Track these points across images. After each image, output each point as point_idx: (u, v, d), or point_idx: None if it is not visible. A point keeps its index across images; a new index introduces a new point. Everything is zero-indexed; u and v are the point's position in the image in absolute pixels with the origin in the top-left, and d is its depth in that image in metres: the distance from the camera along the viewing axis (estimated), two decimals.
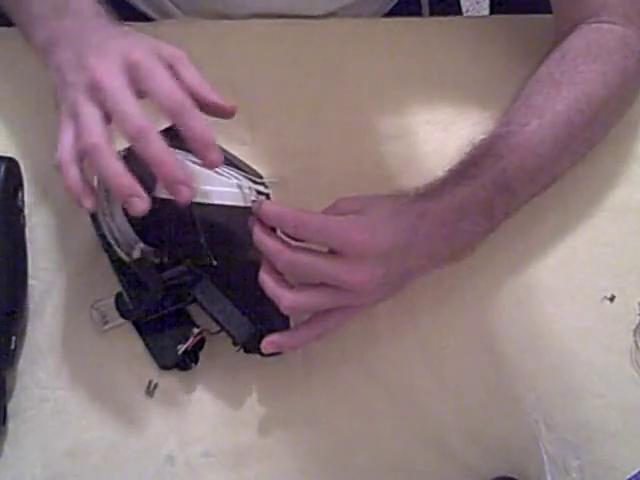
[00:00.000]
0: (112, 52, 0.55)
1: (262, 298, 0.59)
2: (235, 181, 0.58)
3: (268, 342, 0.59)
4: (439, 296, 0.66)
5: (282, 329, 0.60)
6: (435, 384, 0.63)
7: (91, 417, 0.61)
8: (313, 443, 0.61)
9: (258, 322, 0.60)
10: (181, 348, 0.61)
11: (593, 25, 0.69)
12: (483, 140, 0.66)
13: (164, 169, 0.52)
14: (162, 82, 0.53)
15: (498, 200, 0.63)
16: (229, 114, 0.59)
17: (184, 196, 0.53)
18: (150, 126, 0.52)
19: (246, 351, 0.61)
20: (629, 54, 0.68)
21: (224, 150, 0.63)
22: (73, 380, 0.62)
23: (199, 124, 0.53)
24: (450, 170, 0.64)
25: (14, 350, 0.61)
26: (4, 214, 0.62)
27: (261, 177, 0.63)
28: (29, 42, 0.64)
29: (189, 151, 0.58)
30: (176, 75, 0.56)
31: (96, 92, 0.54)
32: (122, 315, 0.61)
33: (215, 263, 0.60)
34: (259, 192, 0.60)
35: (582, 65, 0.67)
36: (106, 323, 0.63)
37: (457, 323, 0.65)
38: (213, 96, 0.57)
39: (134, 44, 0.56)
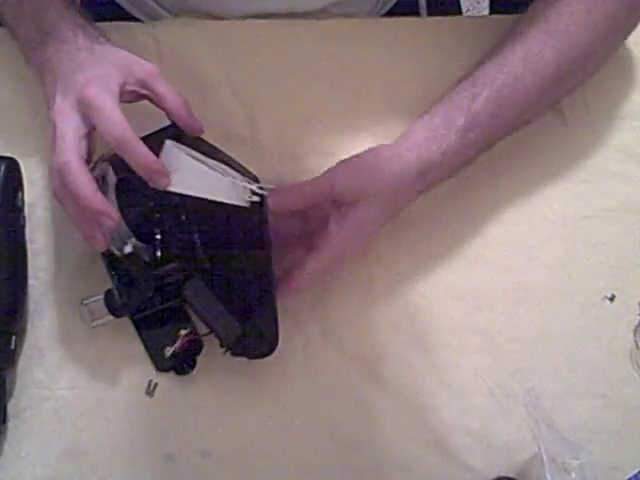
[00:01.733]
0: (72, 88, 0.59)
1: (251, 301, 0.59)
2: (230, 179, 0.58)
3: (290, 287, 0.62)
4: (439, 296, 0.66)
5: (270, 332, 0.60)
6: (435, 384, 0.63)
7: (91, 417, 0.61)
8: (313, 443, 0.61)
9: (246, 324, 0.60)
10: (169, 351, 0.61)
11: None
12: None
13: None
14: (105, 118, 0.56)
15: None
16: (197, 131, 0.61)
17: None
18: (74, 170, 0.56)
19: (233, 354, 0.61)
20: (620, 2, 0.68)
21: (220, 151, 0.63)
22: (73, 380, 0.62)
23: (141, 154, 0.55)
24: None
25: (14, 350, 0.61)
26: (4, 214, 0.62)
27: (257, 180, 0.63)
28: (27, 65, 0.67)
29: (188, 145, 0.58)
30: (150, 90, 0.60)
31: (54, 132, 0.58)
32: (111, 312, 0.61)
33: (207, 265, 0.60)
34: (253, 192, 0.60)
35: (576, 14, 0.67)
36: (94, 320, 0.62)
37: (457, 323, 0.65)
38: (183, 113, 0.60)
39: (94, 77, 0.59)
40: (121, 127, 0.55)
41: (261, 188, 0.61)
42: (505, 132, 0.68)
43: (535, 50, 0.67)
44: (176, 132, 0.61)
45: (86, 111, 0.57)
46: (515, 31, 0.70)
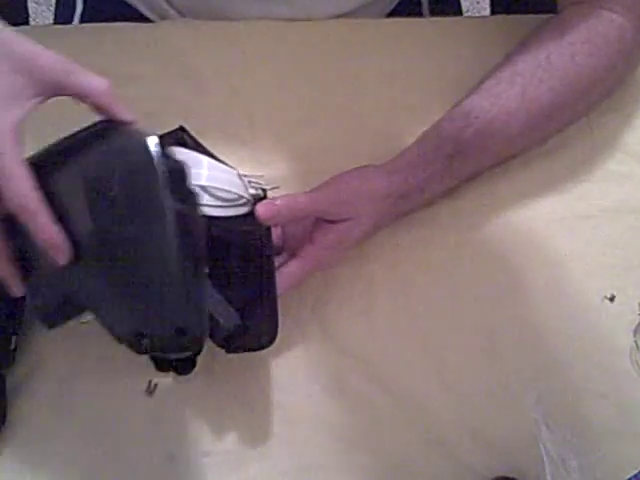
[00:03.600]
0: None
1: (251, 297, 0.59)
2: (236, 171, 0.59)
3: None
4: (439, 296, 0.66)
5: (270, 324, 0.59)
6: (435, 384, 0.63)
7: (91, 417, 0.61)
8: (313, 443, 0.61)
9: (246, 316, 0.59)
10: None
11: (595, 10, 0.69)
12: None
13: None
14: (9, 185, 0.49)
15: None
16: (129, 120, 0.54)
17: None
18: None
19: (231, 350, 0.60)
20: (622, 48, 0.69)
21: (220, 160, 0.63)
22: (73, 380, 0.62)
23: (43, 226, 0.50)
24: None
25: (14, 350, 0.61)
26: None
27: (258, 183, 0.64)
28: None
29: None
30: (66, 89, 0.53)
31: None
32: None
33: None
34: (256, 187, 0.60)
35: (578, 56, 0.67)
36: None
37: (457, 323, 0.65)
38: (110, 102, 0.53)
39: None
40: (23, 198, 0.49)
41: (260, 184, 0.61)
42: (490, 165, 0.69)
43: (531, 88, 0.67)
44: (180, 137, 0.61)
45: None
46: (516, 58, 0.69)
